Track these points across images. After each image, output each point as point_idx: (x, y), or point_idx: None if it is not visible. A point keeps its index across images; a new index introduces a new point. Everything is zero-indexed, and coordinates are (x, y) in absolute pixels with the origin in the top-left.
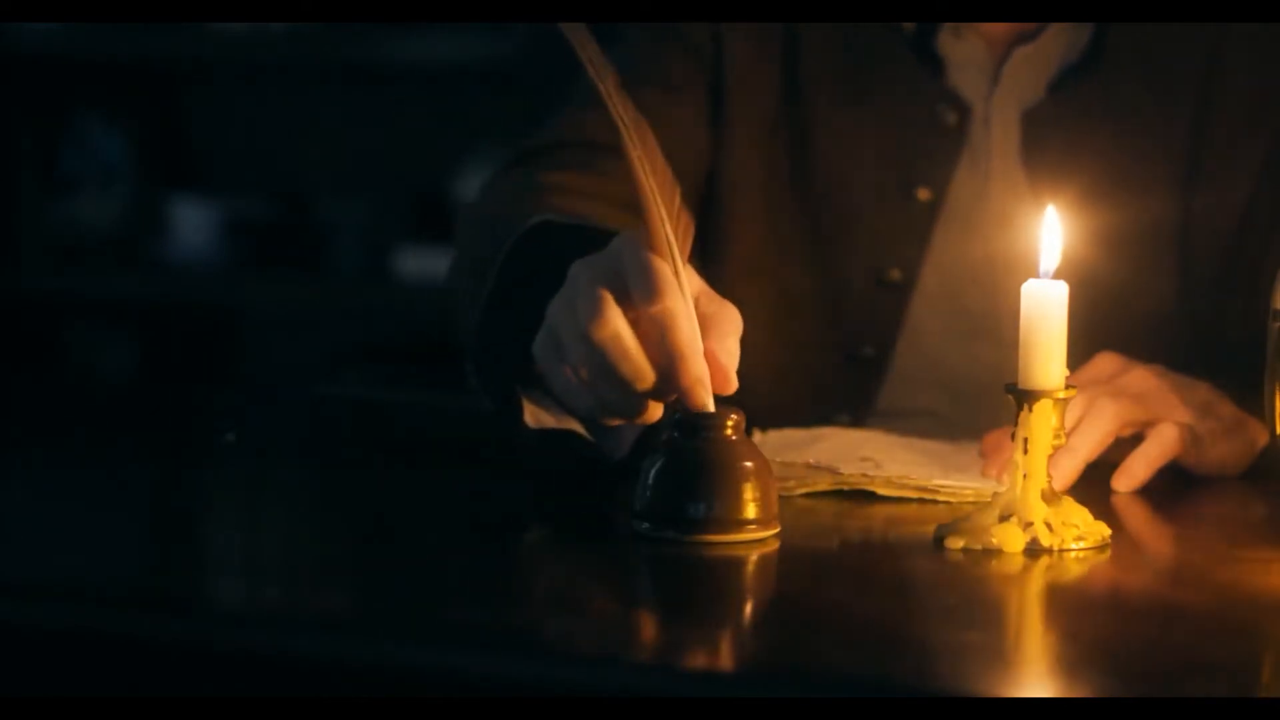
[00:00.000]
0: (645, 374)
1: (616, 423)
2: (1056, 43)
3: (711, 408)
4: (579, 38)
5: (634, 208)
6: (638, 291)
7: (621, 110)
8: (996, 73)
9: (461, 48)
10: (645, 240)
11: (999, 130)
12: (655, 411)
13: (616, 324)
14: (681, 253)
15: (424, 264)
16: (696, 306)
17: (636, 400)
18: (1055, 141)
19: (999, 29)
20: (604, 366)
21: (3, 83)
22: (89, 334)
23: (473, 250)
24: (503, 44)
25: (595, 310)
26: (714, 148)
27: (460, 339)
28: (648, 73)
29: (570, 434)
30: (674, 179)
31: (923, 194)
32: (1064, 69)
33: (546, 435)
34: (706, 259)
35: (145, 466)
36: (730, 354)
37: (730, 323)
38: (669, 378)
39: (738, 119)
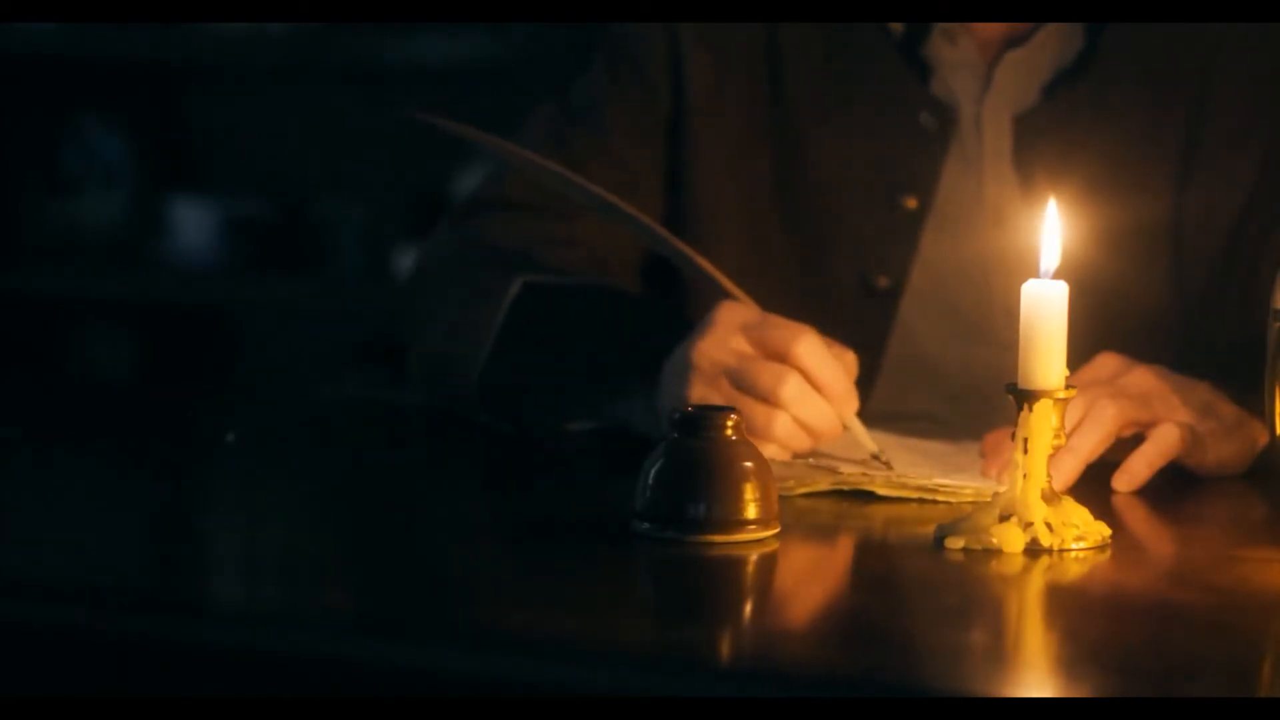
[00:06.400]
0: (831, 419)
1: (805, 446)
2: (1049, 47)
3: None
4: (520, 156)
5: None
6: (783, 340)
7: (595, 189)
8: (988, 76)
9: (461, 48)
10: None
11: (990, 133)
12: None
13: (796, 382)
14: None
15: None
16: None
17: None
18: (1048, 144)
19: (992, 31)
20: (802, 384)
21: (3, 83)
22: (89, 334)
23: (448, 316)
24: (503, 44)
25: (793, 331)
26: (667, 183)
27: (450, 393)
28: (588, 120)
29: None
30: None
31: (909, 201)
32: (1058, 73)
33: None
34: (684, 281)
35: (145, 466)
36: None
37: (849, 359)
38: None
39: (706, 142)
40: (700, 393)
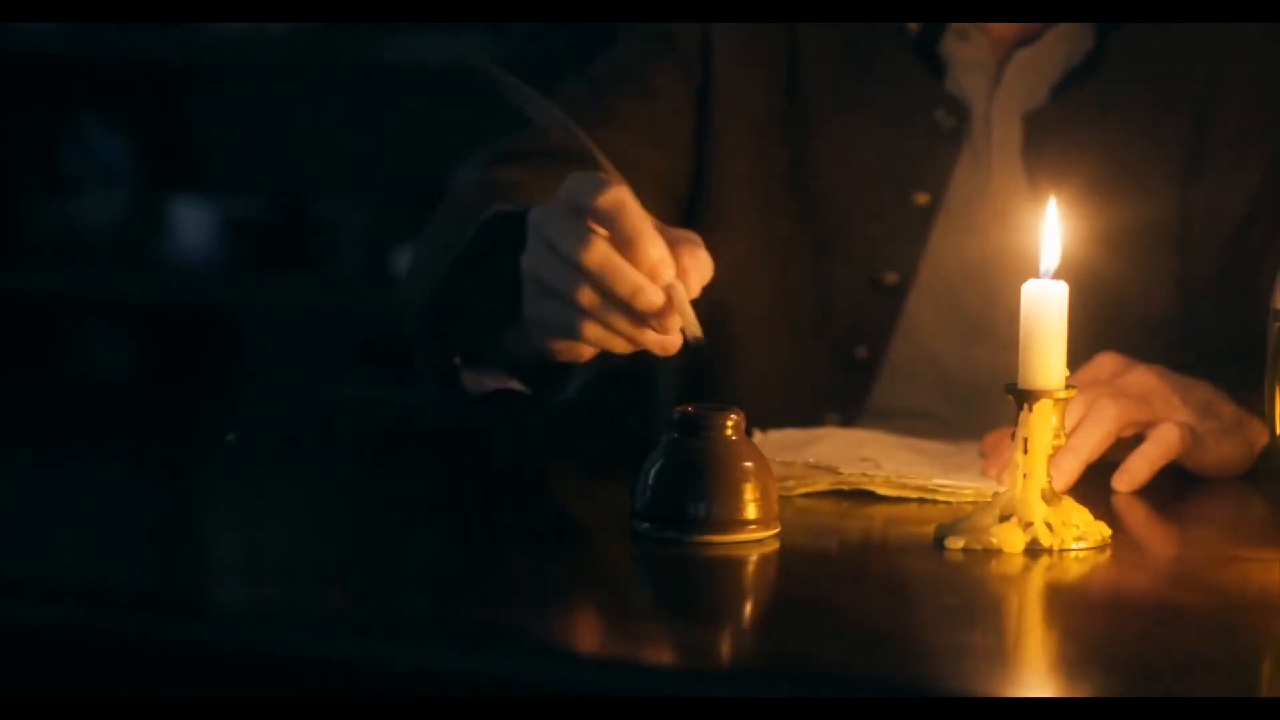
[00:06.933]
0: (646, 287)
1: (624, 349)
2: (1059, 46)
3: (682, 291)
4: (508, 84)
5: None
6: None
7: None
8: (998, 74)
9: (461, 48)
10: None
11: (1000, 131)
12: (663, 344)
13: (602, 246)
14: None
15: None
16: (659, 232)
17: (640, 316)
18: (1056, 143)
19: (1004, 30)
20: (602, 288)
21: (3, 83)
22: (89, 334)
23: (428, 244)
24: (503, 44)
25: (578, 237)
26: (695, 151)
27: (409, 324)
28: (626, 82)
29: (511, 392)
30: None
31: (920, 198)
32: (1067, 72)
33: (489, 397)
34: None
35: (145, 467)
36: (703, 262)
37: (693, 238)
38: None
39: (728, 120)
40: (530, 261)
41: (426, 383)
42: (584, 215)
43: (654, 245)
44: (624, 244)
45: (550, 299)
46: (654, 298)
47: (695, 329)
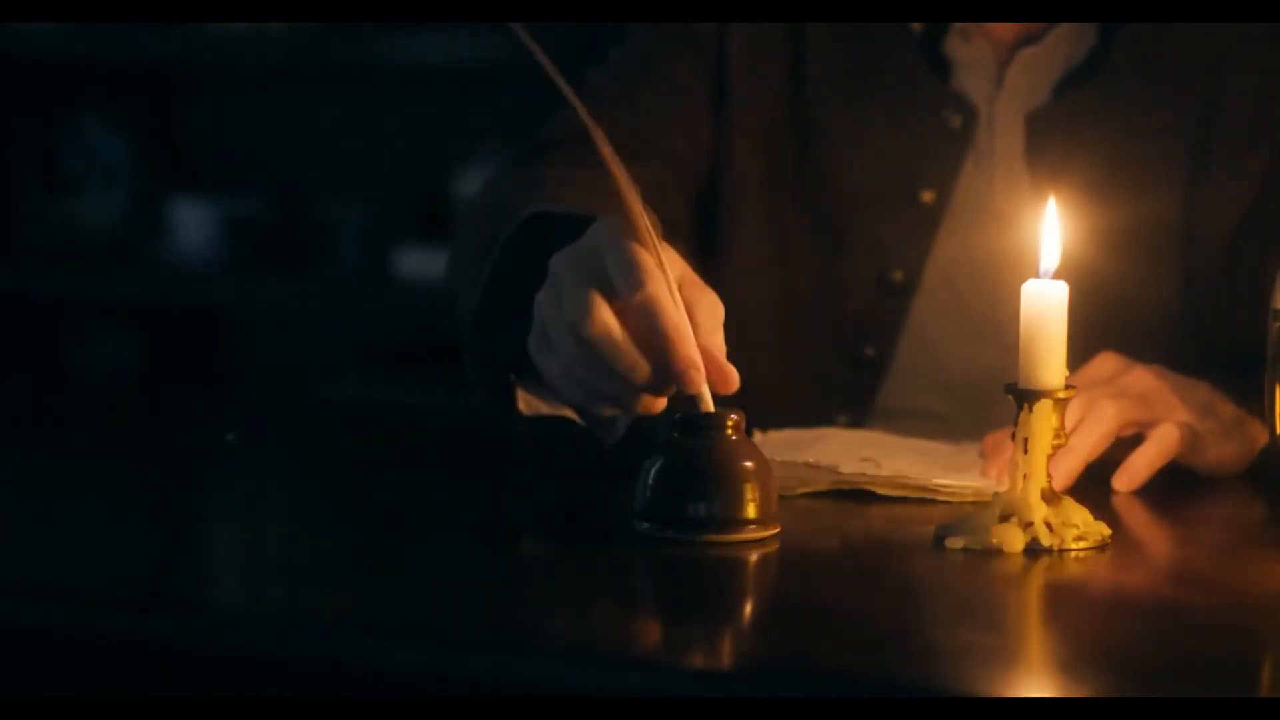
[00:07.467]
0: (640, 366)
1: (611, 412)
2: (1061, 46)
3: (706, 391)
4: (535, 49)
5: None
6: (620, 281)
7: (584, 108)
8: (1001, 74)
9: (461, 48)
10: (624, 226)
11: (1003, 132)
12: (653, 404)
13: (606, 321)
14: (658, 236)
15: (424, 264)
16: (680, 293)
17: (633, 393)
18: (1059, 143)
19: (1005, 30)
20: (597, 362)
21: (3, 83)
22: (89, 334)
23: (470, 243)
24: (502, 44)
25: (584, 308)
26: (716, 146)
27: (457, 329)
28: (650, 71)
29: (563, 420)
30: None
31: (926, 196)
32: (1069, 72)
33: (540, 421)
34: (708, 258)
35: (145, 467)
36: (720, 348)
37: (714, 315)
38: (662, 367)
39: (740, 118)
40: (541, 305)
41: (478, 396)
42: (600, 284)
43: (686, 346)
44: (644, 314)
45: (547, 350)
46: (645, 375)
47: None
